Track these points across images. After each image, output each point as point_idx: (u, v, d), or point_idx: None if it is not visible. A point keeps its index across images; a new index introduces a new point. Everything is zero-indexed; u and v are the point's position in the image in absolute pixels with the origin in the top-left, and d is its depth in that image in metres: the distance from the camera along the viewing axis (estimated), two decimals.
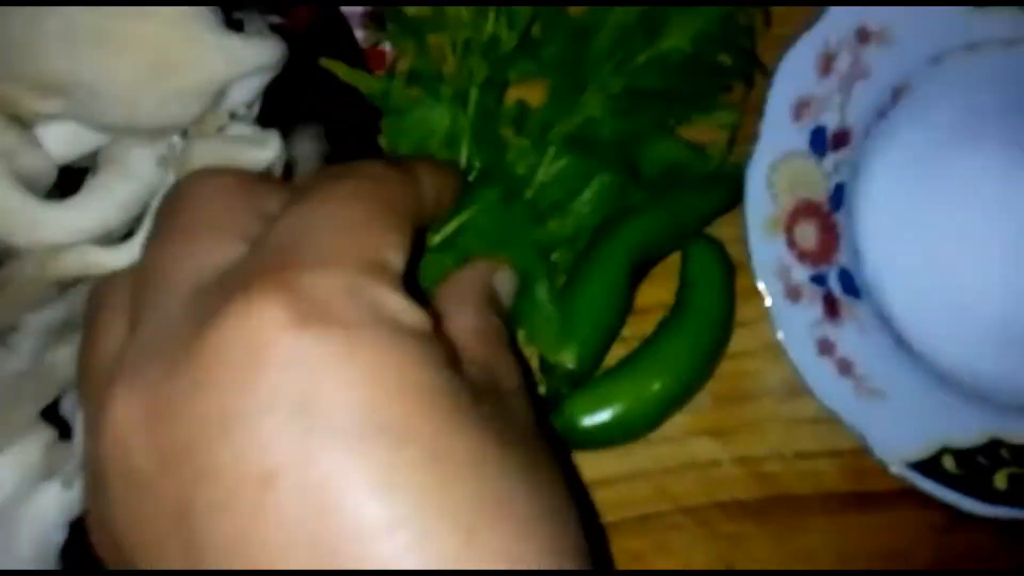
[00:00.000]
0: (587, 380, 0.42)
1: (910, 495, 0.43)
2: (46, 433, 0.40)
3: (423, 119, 0.40)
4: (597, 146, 0.41)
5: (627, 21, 0.42)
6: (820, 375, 0.43)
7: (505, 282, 0.37)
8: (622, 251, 0.42)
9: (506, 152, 0.41)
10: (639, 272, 0.43)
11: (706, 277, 0.43)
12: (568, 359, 0.41)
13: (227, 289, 0.24)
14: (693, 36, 0.42)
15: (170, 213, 0.29)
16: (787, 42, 0.44)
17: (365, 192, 0.28)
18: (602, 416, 0.41)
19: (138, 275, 0.28)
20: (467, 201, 0.39)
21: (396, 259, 0.26)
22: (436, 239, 0.40)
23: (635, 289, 0.44)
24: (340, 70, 0.42)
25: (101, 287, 0.32)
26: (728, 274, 0.44)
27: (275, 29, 0.44)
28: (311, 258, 0.24)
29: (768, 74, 0.44)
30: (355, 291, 0.23)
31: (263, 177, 0.30)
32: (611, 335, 0.43)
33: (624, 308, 0.43)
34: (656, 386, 0.42)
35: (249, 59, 0.39)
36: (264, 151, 0.40)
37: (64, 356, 0.38)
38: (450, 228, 0.40)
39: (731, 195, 0.44)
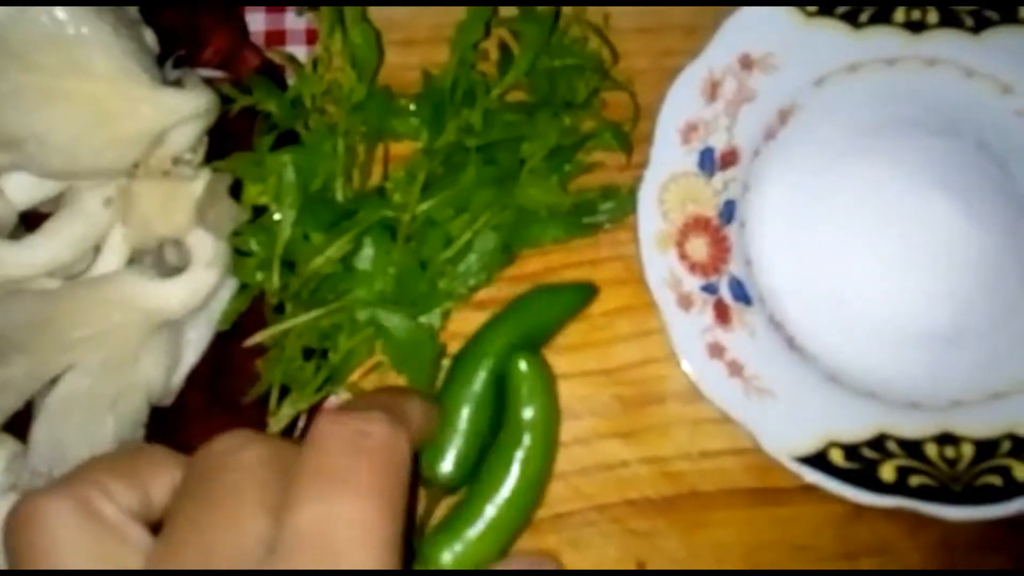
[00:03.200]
0: (460, 486, 0.46)
1: (812, 489, 0.46)
2: (11, 445, 0.45)
3: (308, 161, 0.45)
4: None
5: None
6: (711, 377, 0.46)
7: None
8: (485, 367, 0.46)
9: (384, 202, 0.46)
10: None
11: (532, 393, 0.45)
12: (444, 472, 0.45)
13: None
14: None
15: (210, 481, 0.29)
16: (674, 75, 0.48)
17: (382, 485, 0.29)
18: (458, 548, 0.44)
19: (173, 531, 0.29)
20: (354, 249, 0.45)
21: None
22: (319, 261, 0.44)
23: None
24: (259, 88, 0.46)
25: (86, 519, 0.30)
26: (550, 384, 0.46)
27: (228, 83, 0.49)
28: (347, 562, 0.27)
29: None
30: None
31: (286, 445, 0.31)
32: (482, 442, 0.46)
33: (492, 417, 0.46)
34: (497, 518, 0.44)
35: (179, 110, 0.45)
36: (196, 185, 0.46)
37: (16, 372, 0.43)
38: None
39: (582, 299, 0.49)
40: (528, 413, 0.45)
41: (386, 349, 0.45)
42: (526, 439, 0.45)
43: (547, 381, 0.46)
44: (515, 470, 0.44)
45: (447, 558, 0.43)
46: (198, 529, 0.28)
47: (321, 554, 0.27)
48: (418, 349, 0.44)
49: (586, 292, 0.48)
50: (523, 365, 0.45)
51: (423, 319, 0.45)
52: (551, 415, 0.45)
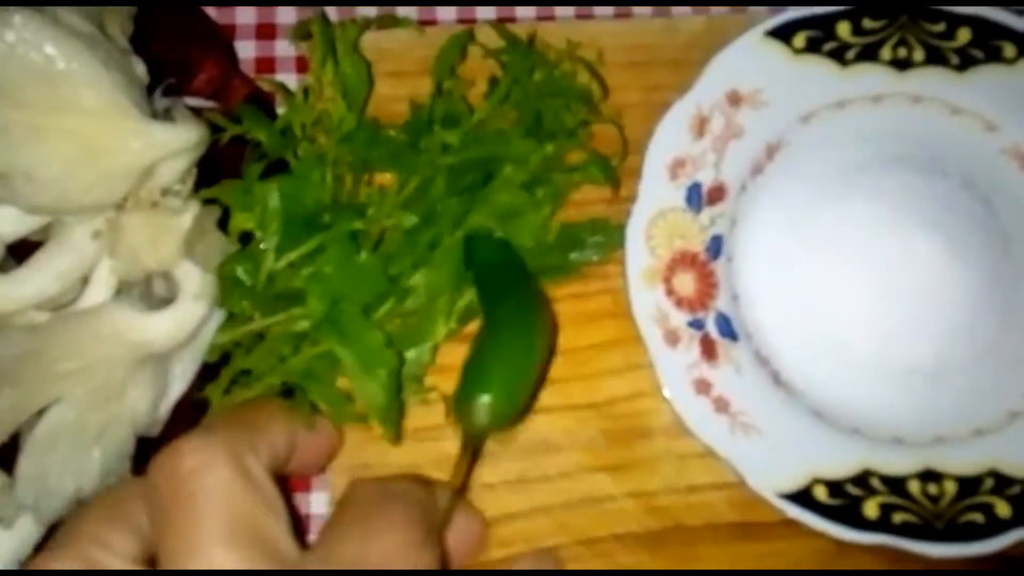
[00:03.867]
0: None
1: (796, 524, 0.46)
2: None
3: (296, 190, 0.45)
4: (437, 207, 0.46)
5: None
6: (697, 413, 0.46)
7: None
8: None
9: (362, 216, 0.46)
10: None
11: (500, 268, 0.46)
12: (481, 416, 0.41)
13: None
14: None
15: (179, 511, 0.31)
16: (663, 109, 0.48)
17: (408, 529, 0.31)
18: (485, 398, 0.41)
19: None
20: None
21: None
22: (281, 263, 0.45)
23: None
24: (248, 117, 0.47)
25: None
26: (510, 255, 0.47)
27: (217, 111, 0.49)
28: None
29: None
30: None
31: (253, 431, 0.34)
32: (530, 381, 0.43)
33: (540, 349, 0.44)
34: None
35: (168, 143, 0.45)
36: (185, 217, 0.46)
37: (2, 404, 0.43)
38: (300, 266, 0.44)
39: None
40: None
41: (341, 355, 0.44)
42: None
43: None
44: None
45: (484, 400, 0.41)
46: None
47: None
48: (374, 356, 0.43)
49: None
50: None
51: (412, 352, 0.45)
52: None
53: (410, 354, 0.45)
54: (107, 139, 0.44)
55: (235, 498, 0.30)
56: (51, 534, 0.44)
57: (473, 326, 0.49)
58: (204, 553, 0.29)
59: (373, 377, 0.42)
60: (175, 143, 0.45)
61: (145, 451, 0.46)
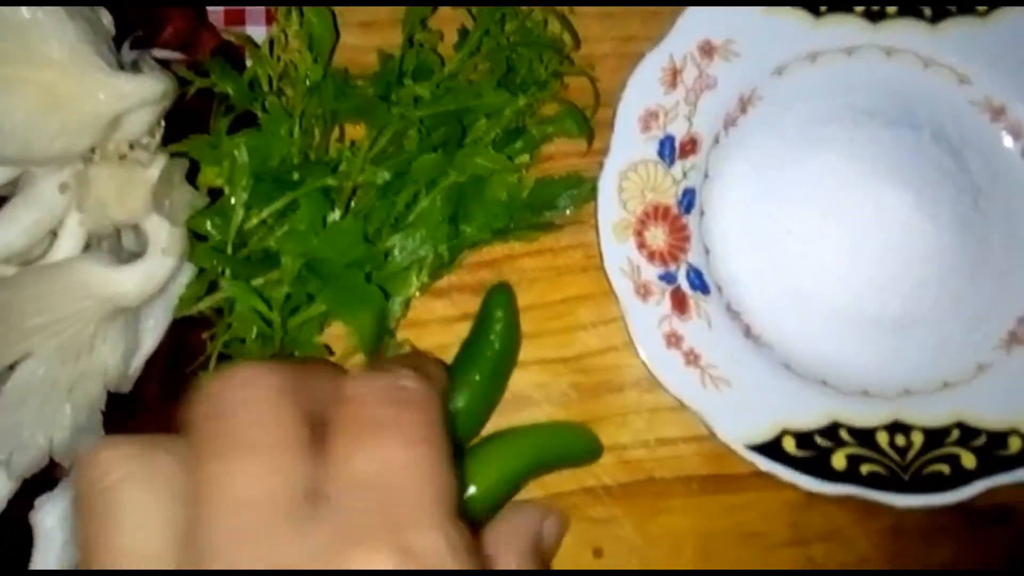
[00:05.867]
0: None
1: (766, 476, 0.46)
2: None
3: (264, 144, 0.45)
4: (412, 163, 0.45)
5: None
6: (667, 366, 0.46)
7: (552, 528, 0.41)
8: None
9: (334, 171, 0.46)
10: None
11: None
12: None
13: (334, 535, 0.25)
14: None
15: (220, 426, 0.27)
16: (636, 61, 0.48)
17: (429, 432, 0.28)
18: None
19: (196, 484, 0.26)
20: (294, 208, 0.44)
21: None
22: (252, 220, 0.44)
23: None
24: (215, 70, 0.46)
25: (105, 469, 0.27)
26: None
27: (185, 64, 0.49)
28: (412, 516, 0.26)
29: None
30: (452, 544, 0.26)
31: (300, 369, 0.29)
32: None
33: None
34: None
35: (133, 94, 0.44)
36: (152, 170, 0.45)
37: None
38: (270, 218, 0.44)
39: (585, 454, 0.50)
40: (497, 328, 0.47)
41: (324, 298, 0.44)
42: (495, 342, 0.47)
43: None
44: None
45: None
46: (229, 477, 0.25)
47: (383, 500, 0.26)
48: (359, 294, 0.43)
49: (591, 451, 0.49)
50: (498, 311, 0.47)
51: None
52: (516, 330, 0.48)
53: None
54: (72, 89, 0.43)
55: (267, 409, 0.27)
56: (24, 488, 0.44)
57: (445, 281, 0.49)
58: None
59: (359, 314, 0.42)
60: (140, 94, 0.44)
61: (116, 406, 0.46)
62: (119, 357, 0.46)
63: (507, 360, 0.47)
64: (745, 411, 0.46)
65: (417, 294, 0.47)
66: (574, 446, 0.48)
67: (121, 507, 0.26)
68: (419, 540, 0.25)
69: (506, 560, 0.36)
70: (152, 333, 0.47)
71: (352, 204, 0.46)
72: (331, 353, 0.47)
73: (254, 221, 0.44)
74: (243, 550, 0.24)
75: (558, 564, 0.48)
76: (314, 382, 0.29)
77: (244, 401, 0.27)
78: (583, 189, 0.49)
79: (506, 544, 0.37)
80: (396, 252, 0.45)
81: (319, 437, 0.27)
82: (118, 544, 0.26)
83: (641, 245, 0.47)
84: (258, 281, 0.44)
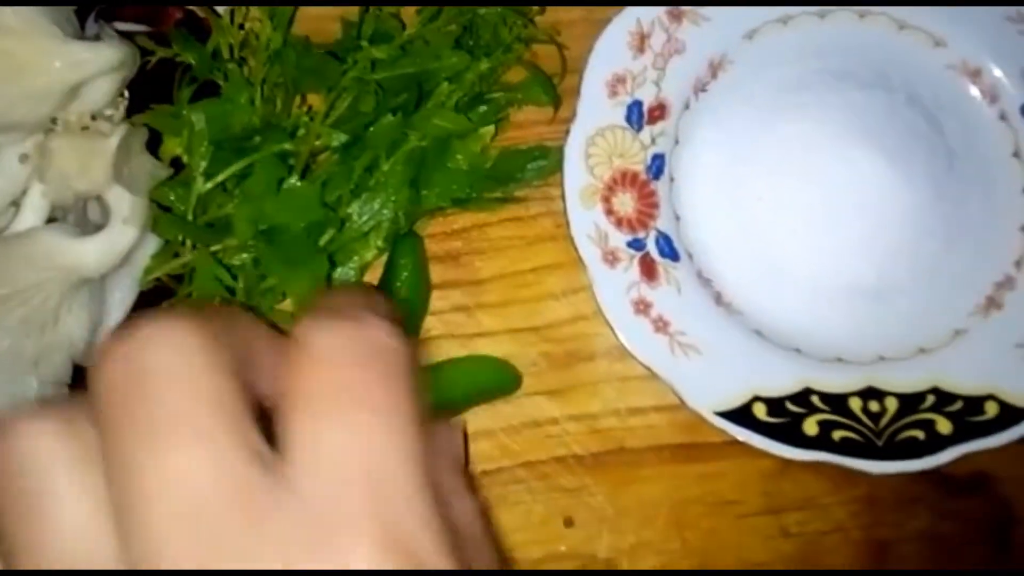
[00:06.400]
0: None
1: (738, 444, 0.46)
2: None
3: (224, 112, 0.44)
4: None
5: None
6: (635, 333, 0.46)
7: (456, 439, 0.39)
8: None
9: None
10: None
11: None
12: None
13: (305, 527, 0.21)
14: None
15: (138, 401, 0.22)
16: (603, 26, 0.47)
17: (403, 400, 0.24)
18: None
19: (120, 473, 0.22)
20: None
21: None
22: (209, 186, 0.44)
23: None
24: (178, 40, 0.46)
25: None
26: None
27: (149, 35, 0.48)
28: (398, 501, 0.22)
29: None
30: (434, 521, 0.22)
31: (224, 319, 0.24)
32: None
33: None
34: None
35: (91, 64, 0.44)
36: (113, 140, 0.45)
37: None
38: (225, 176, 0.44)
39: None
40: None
41: (267, 263, 0.43)
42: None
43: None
44: None
45: None
46: (161, 472, 0.21)
47: (360, 482, 0.22)
48: (303, 260, 0.43)
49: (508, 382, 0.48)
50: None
51: (338, 271, 0.45)
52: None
53: (336, 272, 0.45)
54: (28, 58, 0.43)
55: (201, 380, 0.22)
56: None
57: None
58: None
59: (298, 280, 0.42)
60: (96, 63, 0.44)
61: (82, 379, 0.46)
62: (85, 329, 0.46)
63: (416, 310, 0.47)
64: (715, 378, 0.45)
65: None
66: (487, 377, 0.48)
67: (46, 505, 0.22)
68: (409, 529, 0.22)
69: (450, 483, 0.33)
70: (119, 305, 0.47)
71: (312, 170, 0.45)
72: None
73: (210, 186, 0.43)
74: (195, 554, 0.20)
75: (527, 536, 0.47)
76: (247, 336, 0.25)
77: (167, 367, 0.22)
78: (550, 160, 0.48)
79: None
80: (355, 216, 0.44)
81: (264, 407, 0.23)
82: (50, 546, 0.21)
83: (609, 211, 0.47)
84: (217, 247, 0.43)
